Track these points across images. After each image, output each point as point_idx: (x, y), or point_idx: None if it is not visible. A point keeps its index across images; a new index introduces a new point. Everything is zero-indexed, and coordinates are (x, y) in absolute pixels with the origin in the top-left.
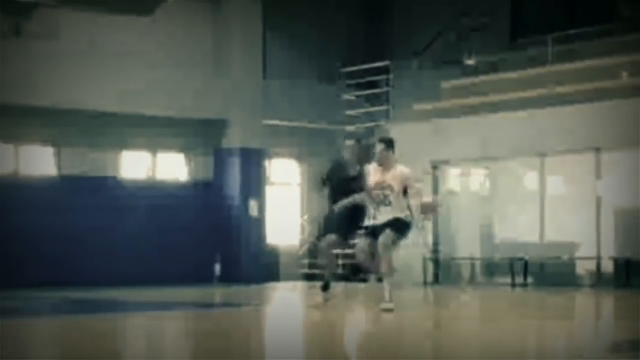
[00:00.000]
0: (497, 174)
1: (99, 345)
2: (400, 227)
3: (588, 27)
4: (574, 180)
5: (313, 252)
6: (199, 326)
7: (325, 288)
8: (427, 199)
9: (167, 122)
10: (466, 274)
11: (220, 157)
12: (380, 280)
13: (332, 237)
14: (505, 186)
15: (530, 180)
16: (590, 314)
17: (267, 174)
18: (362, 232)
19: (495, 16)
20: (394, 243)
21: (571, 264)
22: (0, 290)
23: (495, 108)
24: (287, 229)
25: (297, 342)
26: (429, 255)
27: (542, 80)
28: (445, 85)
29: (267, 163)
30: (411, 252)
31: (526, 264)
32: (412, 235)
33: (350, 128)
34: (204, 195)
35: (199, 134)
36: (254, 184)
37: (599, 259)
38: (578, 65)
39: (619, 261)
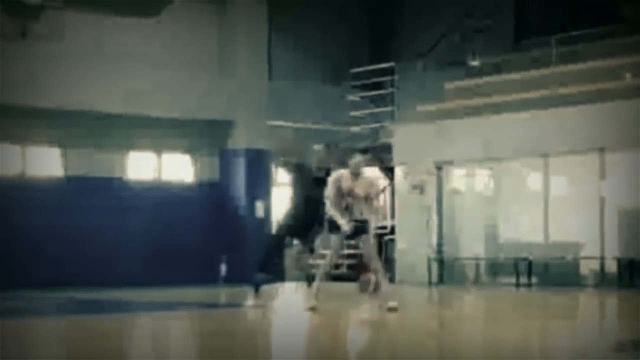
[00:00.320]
0: (500, 175)
1: (104, 345)
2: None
3: (591, 29)
4: (578, 180)
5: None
6: (204, 326)
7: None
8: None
9: (172, 123)
10: (470, 273)
11: (226, 158)
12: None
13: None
14: (509, 186)
15: (534, 180)
16: (593, 313)
17: (273, 174)
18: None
19: (498, 17)
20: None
21: (575, 264)
22: (6, 290)
23: (498, 109)
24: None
25: (301, 342)
26: (433, 255)
27: (546, 81)
28: (449, 86)
29: (272, 163)
30: (416, 252)
31: (530, 264)
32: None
33: (354, 129)
34: (210, 196)
35: (204, 134)
36: (260, 185)
37: (602, 259)
38: (581, 66)
39: (622, 261)
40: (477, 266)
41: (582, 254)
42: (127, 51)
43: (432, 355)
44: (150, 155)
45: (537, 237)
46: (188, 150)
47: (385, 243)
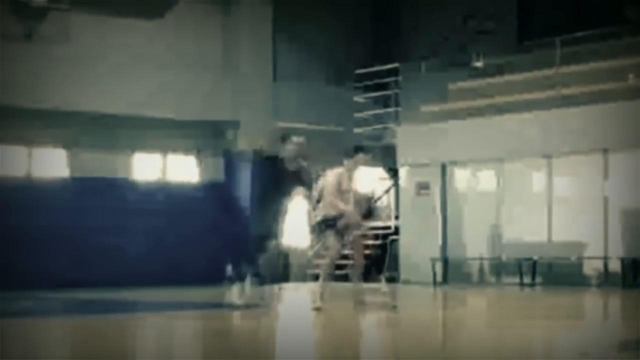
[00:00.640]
0: (504, 175)
1: (111, 345)
2: None
3: (594, 30)
4: (581, 180)
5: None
6: (210, 326)
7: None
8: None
9: (177, 124)
10: (474, 273)
11: (231, 159)
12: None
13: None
14: (513, 187)
15: (538, 180)
16: (598, 313)
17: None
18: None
19: (502, 19)
20: None
21: (578, 264)
22: (12, 291)
23: (502, 109)
24: (297, 230)
25: (306, 342)
26: (437, 255)
27: (549, 82)
28: (453, 87)
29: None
30: (420, 252)
31: (534, 263)
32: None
33: (358, 130)
34: (215, 197)
35: (209, 135)
36: None
37: (606, 258)
38: (584, 67)
39: (625, 261)
40: (481, 266)
41: (586, 253)
42: (132, 52)
43: (438, 355)
44: (156, 156)
45: (541, 237)
46: (193, 151)
47: (389, 243)
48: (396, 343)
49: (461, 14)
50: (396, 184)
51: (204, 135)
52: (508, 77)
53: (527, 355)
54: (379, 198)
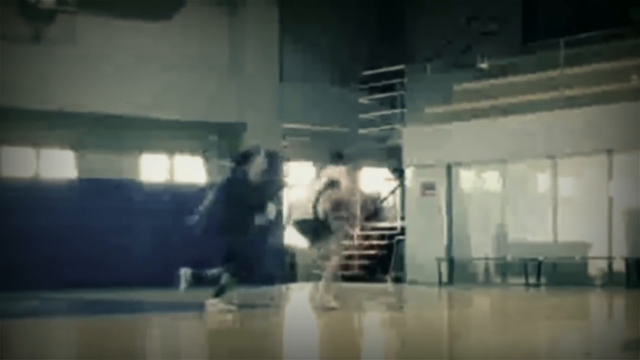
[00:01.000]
0: (509, 176)
1: (119, 346)
2: None
3: (598, 31)
4: (586, 181)
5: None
6: (217, 326)
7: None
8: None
9: (184, 125)
10: (480, 274)
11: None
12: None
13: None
14: (518, 187)
15: (543, 181)
16: (602, 313)
17: (284, 176)
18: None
19: (506, 20)
20: None
21: (583, 264)
22: (20, 291)
23: (507, 111)
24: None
25: (314, 342)
26: (442, 255)
27: (553, 83)
28: (458, 88)
29: (284, 165)
30: (426, 252)
31: (539, 264)
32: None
33: (363, 131)
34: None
35: (216, 136)
36: (272, 187)
37: (610, 259)
38: (588, 68)
39: (630, 261)
40: (487, 266)
41: (590, 254)
42: (139, 54)
43: (445, 355)
44: (163, 158)
45: (546, 238)
46: (199, 152)
47: (395, 243)
48: (404, 343)
49: (466, 16)
50: (402, 185)
51: (211, 136)
52: (512, 79)
53: (532, 355)
54: (385, 199)
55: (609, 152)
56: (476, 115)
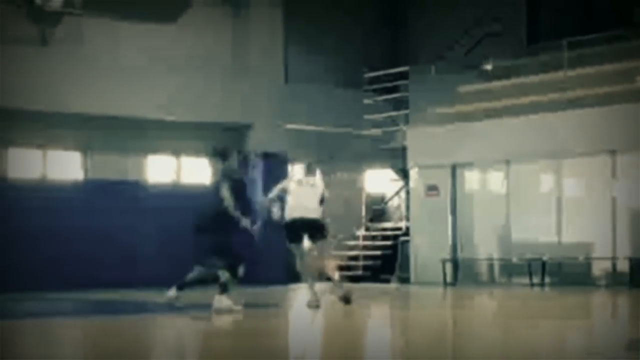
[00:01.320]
0: (514, 176)
1: (126, 345)
2: None
3: (602, 33)
4: (590, 181)
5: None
6: (224, 326)
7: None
8: None
9: (190, 127)
10: (485, 274)
11: (244, 160)
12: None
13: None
14: (523, 188)
15: (547, 182)
16: (607, 313)
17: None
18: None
19: (511, 22)
20: None
21: (587, 264)
22: (27, 292)
23: (511, 112)
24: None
25: (319, 342)
26: (447, 256)
27: (557, 84)
28: (463, 89)
29: (289, 166)
30: (431, 253)
31: (544, 264)
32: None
33: (369, 132)
34: None
35: (222, 138)
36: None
37: (614, 259)
38: (592, 69)
39: (633, 261)
40: (491, 266)
41: (594, 254)
42: (145, 56)
43: (448, 355)
44: (169, 159)
45: (550, 238)
46: (206, 153)
47: (400, 244)
48: (408, 343)
49: (470, 18)
50: (406, 186)
51: (217, 138)
52: (516, 80)
53: (537, 354)
54: (390, 199)
55: (613, 152)
56: (480, 116)
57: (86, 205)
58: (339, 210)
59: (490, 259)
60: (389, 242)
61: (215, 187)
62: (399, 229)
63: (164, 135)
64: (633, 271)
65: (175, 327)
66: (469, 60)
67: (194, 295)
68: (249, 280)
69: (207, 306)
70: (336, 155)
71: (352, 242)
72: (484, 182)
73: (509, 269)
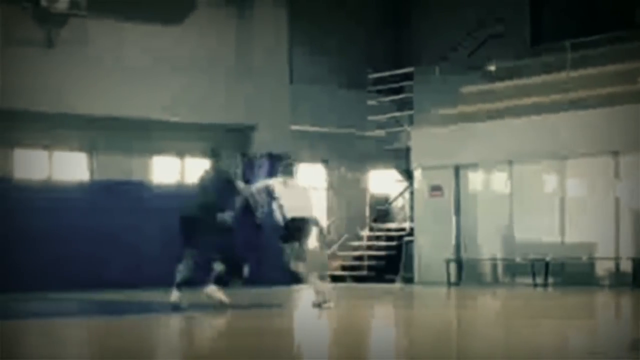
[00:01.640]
0: (518, 177)
1: (133, 345)
2: None
3: (605, 34)
4: (593, 182)
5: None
6: (232, 326)
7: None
8: None
9: (195, 128)
10: (488, 274)
11: (248, 161)
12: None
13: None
14: (526, 188)
15: (550, 182)
16: (611, 313)
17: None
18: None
19: (514, 23)
20: None
21: (590, 264)
22: (34, 292)
23: (515, 112)
24: (313, 231)
25: (324, 342)
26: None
27: (560, 85)
28: (466, 90)
29: (294, 167)
30: (435, 253)
31: (547, 264)
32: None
33: (373, 133)
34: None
35: (227, 139)
36: None
37: (617, 259)
38: (595, 70)
39: (636, 261)
40: (495, 267)
41: (597, 254)
42: (150, 57)
43: (452, 354)
44: (174, 160)
45: (553, 238)
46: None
47: (404, 244)
48: (413, 342)
49: (473, 19)
50: (411, 186)
51: (222, 139)
52: (520, 81)
53: (540, 354)
54: (394, 200)
55: (616, 153)
56: (484, 117)
57: (91, 205)
58: (344, 211)
59: (494, 259)
60: (393, 243)
61: (203, 187)
62: (403, 229)
63: (169, 136)
64: (636, 271)
65: (181, 327)
66: (472, 62)
67: (197, 296)
68: (254, 281)
69: (211, 307)
70: (340, 156)
71: (356, 243)
72: (487, 183)
73: (513, 269)
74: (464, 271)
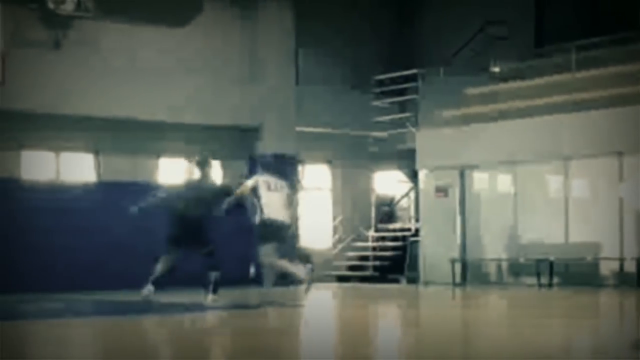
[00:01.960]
0: (522, 178)
1: (142, 345)
2: None
3: (610, 35)
4: (597, 183)
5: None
6: (238, 325)
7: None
8: None
9: (202, 129)
10: (493, 274)
11: (255, 163)
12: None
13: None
14: (530, 189)
15: (555, 183)
16: (614, 313)
17: (300, 178)
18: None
19: (518, 25)
20: None
21: (595, 265)
22: (41, 293)
23: (520, 114)
24: (319, 231)
25: (331, 342)
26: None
27: (566, 86)
28: (471, 91)
29: (299, 168)
30: (440, 253)
31: (551, 264)
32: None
33: (378, 134)
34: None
35: (234, 140)
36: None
37: (621, 259)
38: (600, 71)
39: None
40: (500, 267)
41: (602, 254)
42: (158, 59)
43: (456, 354)
44: (182, 161)
45: (558, 239)
46: (218, 155)
47: (410, 244)
48: (419, 342)
49: (478, 21)
50: (416, 187)
51: (228, 140)
52: (525, 82)
53: (544, 354)
54: (399, 200)
55: (620, 154)
56: (489, 119)
57: (98, 206)
58: (349, 211)
59: (499, 260)
60: (398, 243)
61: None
62: (408, 229)
63: (176, 138)
64: None
65: (197, 326)
66: (477, 63)
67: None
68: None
69: (228, 306)
70: (346, 157)
71: (362, 243)
72: (492, 184)
73: (517, 269)
74: (468, 271)
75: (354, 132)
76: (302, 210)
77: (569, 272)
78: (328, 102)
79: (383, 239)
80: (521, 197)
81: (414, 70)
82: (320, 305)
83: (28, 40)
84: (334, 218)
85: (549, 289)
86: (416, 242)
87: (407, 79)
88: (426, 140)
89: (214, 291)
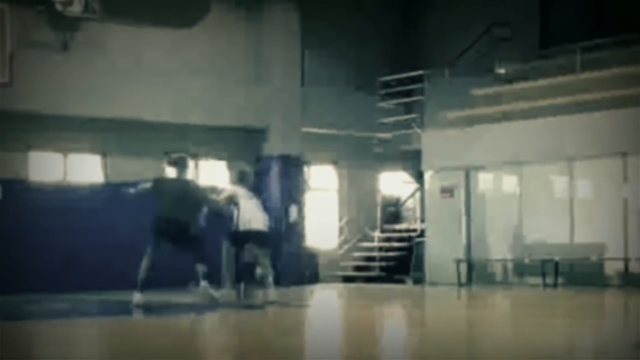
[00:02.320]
0: (527, 179)
1: (154, 345)
2: None
3: (614, 36)
4: (601, 183)
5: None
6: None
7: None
8: None
9: (208, 130)
10: (498, 274)
11: (261, 164)
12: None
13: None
14: (535, 190)
15: (560, 184)
16: (619, 313)
17: (306, 179)
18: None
19: (523, 26)
20: None
21: (599, 265)
22: (49, 293)
23: (525, 115)
24: (325, 232)
25: (337, 342)
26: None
27: (570, 87)
28: (476, 93)
29: (305, 169)
30: (445, 253)
31: (556, 264)
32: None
33: (384, 135)
34: None
35: (239, 141)
36: (293, 190)
37: (626, 259)
38: (605, 73)
39: None
40: (505, 267)
41: (606, 255)
42: (164, 60)
43: (462, 353)
44: (189, 162)
45: (563, 239)
46: (224, 156)
47: (415, 245)
48: (425, 341)
49: (483, 22)
50: (421, 188)
51: (234, 141)
52: (529, 84)
53: (548, 354)
54: (405, 201)
55: (624, 155)
56: (494, 120)
57: (105, 207)
58: (355, 212)
59: (504, 260)
60: (404, 244)
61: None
62: (413, 230)
63: (182, 139)
64: None
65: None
66: (481, 65)
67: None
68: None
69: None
70: (351, 158)
71: (367, 244)
72: (497, 184)
73: (522, 270)
74: (474, 272)
75: (359, 133)
76: (308, 211)
77: (573, 273)
78: (333, 103)
79: (389, 239)
80: (526, 197)
81: (419, 72)
82: (326, 305)
83: (35, 42)
84: (340, 219)
85: (554, 289)
86: (422, 242)
87: (412, 80)
88: (431, 141)
89: (205, 279)
